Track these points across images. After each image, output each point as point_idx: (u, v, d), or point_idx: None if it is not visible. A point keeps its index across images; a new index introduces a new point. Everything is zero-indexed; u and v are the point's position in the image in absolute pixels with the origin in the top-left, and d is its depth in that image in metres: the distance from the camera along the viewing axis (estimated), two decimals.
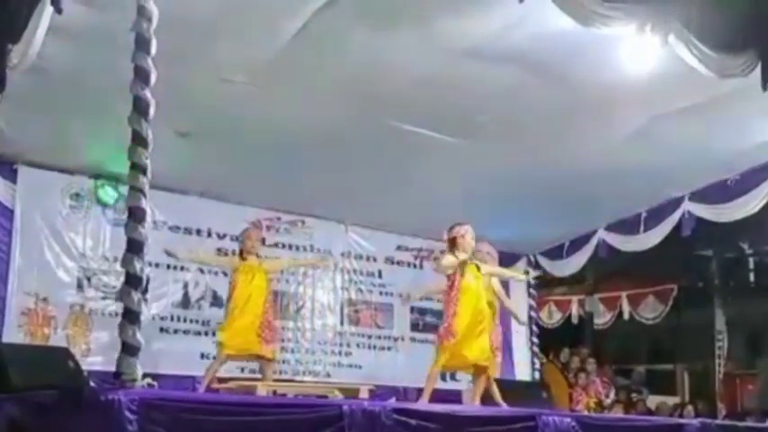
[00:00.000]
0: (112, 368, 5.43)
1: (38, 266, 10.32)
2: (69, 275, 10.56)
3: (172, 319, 11.13)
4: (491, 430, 6.62)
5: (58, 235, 10.53)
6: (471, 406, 8.16)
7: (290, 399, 6.37)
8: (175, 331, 11.13)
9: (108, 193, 10.73)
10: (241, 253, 9.76)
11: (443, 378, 13.17)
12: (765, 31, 7.20)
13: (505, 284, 14.30)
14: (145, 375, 5.55)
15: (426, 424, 6.16)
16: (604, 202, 12.02)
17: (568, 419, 7.12)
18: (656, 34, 6.77)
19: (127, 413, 4.65)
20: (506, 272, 10.16)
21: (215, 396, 6.67)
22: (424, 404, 7.32)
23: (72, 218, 10.65)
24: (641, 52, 7.53)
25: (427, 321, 13.24)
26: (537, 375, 14.16)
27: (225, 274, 11.57)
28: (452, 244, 8.36)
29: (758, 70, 7.28)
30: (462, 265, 8.18)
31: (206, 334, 11.27)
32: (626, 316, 16.22)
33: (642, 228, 12.38)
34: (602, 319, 16.60)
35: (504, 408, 8.00)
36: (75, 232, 10.66)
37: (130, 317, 5.27)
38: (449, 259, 8.25)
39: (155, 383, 8.45)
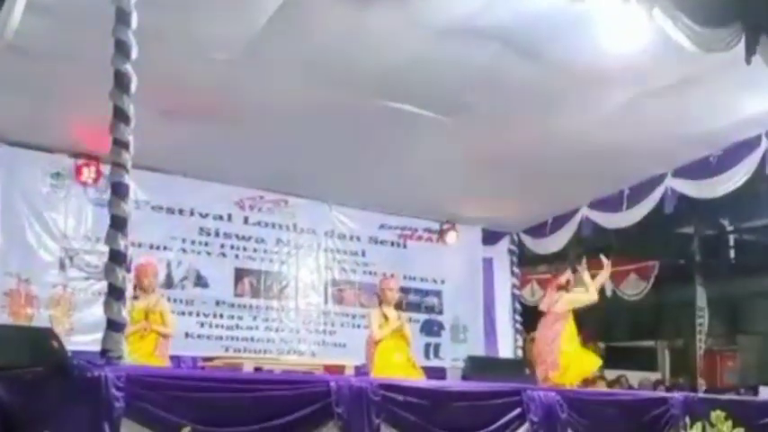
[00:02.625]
0: (96, 348, 5.42)
1: (19, 247, 10.26)
2: (51, 255, 10.50)
3: None
4: (476, 405, 6.67)
5: (39, 215, 10.46)
6: (457, 382, 8.20)
7: (278, 375, 6.35)
8: None
9: (89, 173, 10.63)
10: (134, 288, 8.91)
11: (427, 356, 13.33)
12: (749, 4, 7.21)
13: (490, 262, 14.45)
14: None
15: (412, 399, 6.20)
16: (587, 180, 12.03)
17: (553, 394, 7.18)
18: (641, 7, 6.75)
19: (113, 390, 4.65)
20: None
21: (203, 373, 6.67)
22: (409, 380, 7.33)
23: (53, 197, 10.57)
24: (624, 30, 7.53)
25: (410, 300, 13.27)
26: (520, 353, 14.21)
27: (208, 254, 11.64)
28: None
29: (742, 44, 7.29)
30: None
31: (190, 314, 11.28)
32: (608, 293, 16.28)
33: (625, 205, 12.42)
34: None
35: (490, 383, 8.01)
36: (56, 212, 10.59)
37: (115, 294, 5.25)
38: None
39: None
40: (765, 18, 7.29)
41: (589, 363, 10.20)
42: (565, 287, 10.15)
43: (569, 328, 9.95)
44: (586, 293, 10.19)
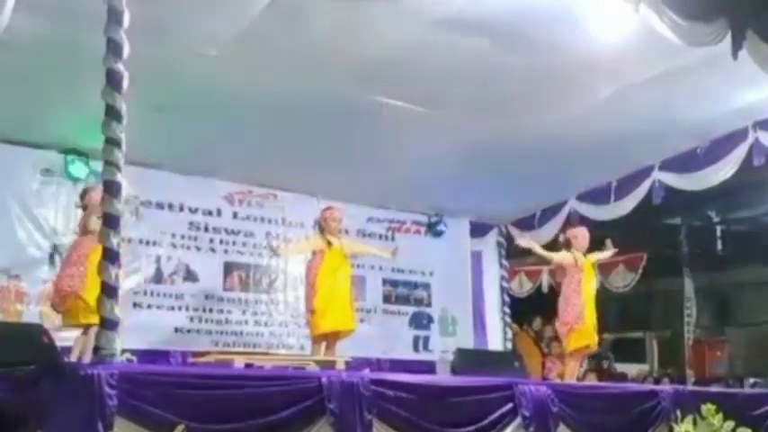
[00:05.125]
0: None
1: (9, 243, 10.21)
2: (41, 252, 10.45)
3: (145, 293, 11.07)
4: (468, 400, 6.68)
5: (28, 211, 10.41)
6: (447, 376, 8.22)
7: (269, 371, 6.38)
8: (149, 306, 11.07)
9: (79, 169, 10.60)
10: None
11: (416, 349, 13.35)
12: None
13: (478, 255, 14.47)
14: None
15: (403, 394, 6.21)
16: (575, 172, 12.08)
17: (544, 388, 7.20)
18: (628, 2, 6.78)
19: (107, 388, 4.64)
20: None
21: (196, 370, 6.65)
22: (401, 375, 7.35)
23: (43, 193, 10.53)
24: (612, 21, 7.56)
25: (399, 293, 13.32)
26: (509, 345, 14.25)
27: (198, 249, 11.64)
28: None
29: (728, 39, 7.33)
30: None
31: (179, 308, 11.30)
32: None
33: (613, 197, 12.47)
34: None
35: (481, 378, 8.04)
36: (46, 208, 10.56)
37: (108, 292, 5.22)
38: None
39: (134, 358, 8.42)
40: (751, 13, 7.32)
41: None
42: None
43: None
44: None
